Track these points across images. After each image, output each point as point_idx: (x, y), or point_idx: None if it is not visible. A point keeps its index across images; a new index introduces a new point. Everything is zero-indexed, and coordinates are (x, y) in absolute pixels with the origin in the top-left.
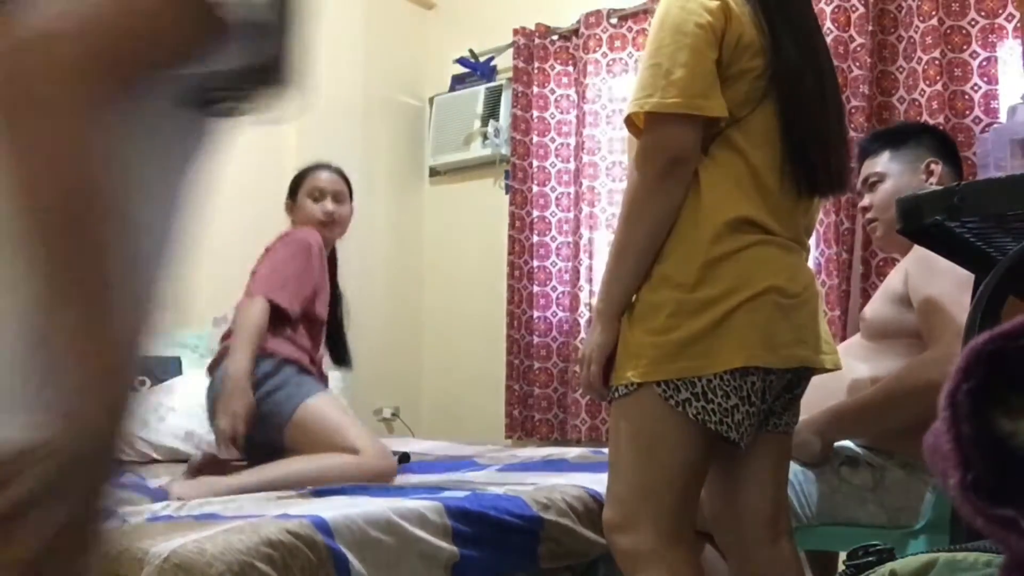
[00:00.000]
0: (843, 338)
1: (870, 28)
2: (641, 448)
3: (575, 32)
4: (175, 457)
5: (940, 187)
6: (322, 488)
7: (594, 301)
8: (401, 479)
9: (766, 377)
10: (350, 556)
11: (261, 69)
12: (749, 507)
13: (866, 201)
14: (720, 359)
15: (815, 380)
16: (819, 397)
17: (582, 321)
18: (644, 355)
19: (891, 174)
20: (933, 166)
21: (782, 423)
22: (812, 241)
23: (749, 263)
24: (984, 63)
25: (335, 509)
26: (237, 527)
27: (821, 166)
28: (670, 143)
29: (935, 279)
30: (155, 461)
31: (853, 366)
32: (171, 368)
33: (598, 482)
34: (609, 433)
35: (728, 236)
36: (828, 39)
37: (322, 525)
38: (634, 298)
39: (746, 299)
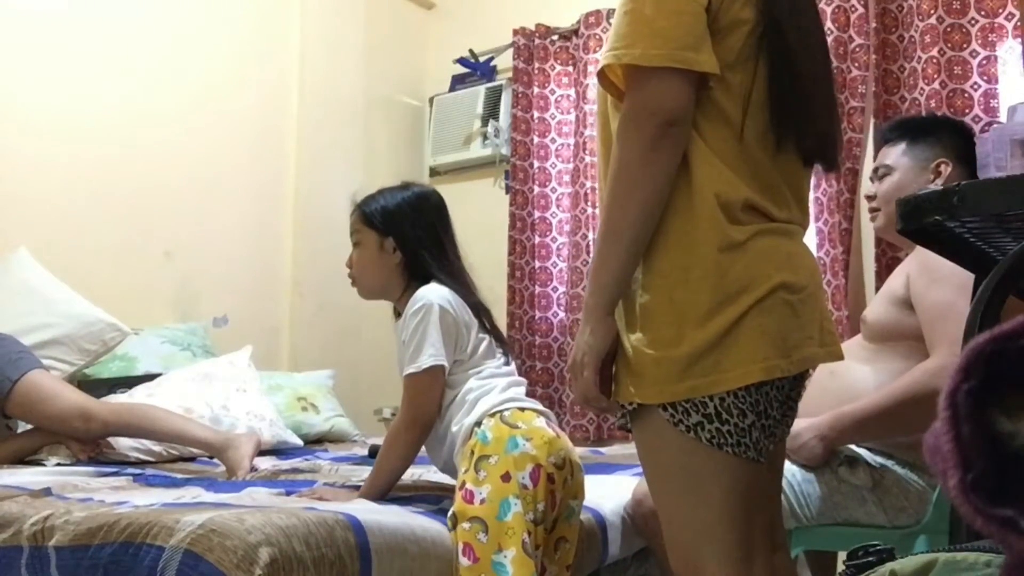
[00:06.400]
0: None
1: (872, 27)
2: (674, 484)
3: (575, 32)
4: (160, 458)
5: (940, 187)
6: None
7: None
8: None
9: (780, 385)
10: (375, 558)
11: None
12: None
13: (871, 190)
14: (734, 373)
15: (816, 381)
16: (820, 398)
17: None
18: (646, 373)
19: (899, 168)
20: (943, 167)
21: (778, 433)
22: (815, 241)
23: (754, 257)
24: (984, 62)
25: (363, 512)
26: (275, 509)
27: (808, 131)
28: (661, 102)
29: (938, 284)
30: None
31: (854, 368)
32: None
33: (598, 484)
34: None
35: (727, 224)
36: (828, 39)
37: (356, 524)
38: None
39: (756, 301)
